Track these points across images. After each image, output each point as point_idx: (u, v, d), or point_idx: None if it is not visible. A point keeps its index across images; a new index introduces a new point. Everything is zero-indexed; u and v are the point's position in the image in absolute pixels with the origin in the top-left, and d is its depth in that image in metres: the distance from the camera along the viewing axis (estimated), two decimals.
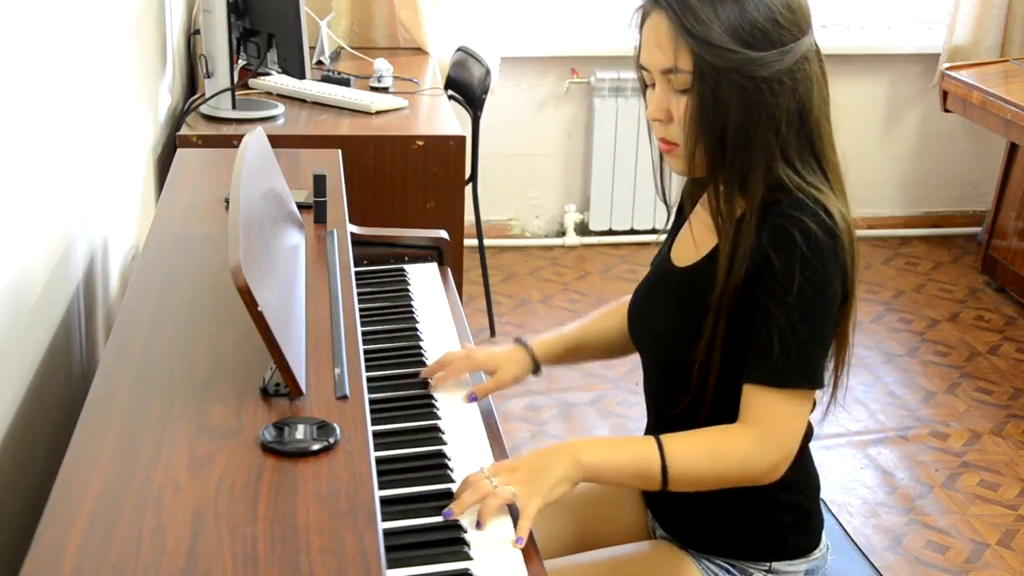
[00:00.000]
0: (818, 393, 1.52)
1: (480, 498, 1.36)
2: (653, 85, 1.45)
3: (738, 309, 1.43)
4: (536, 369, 1.73)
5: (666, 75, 1.43)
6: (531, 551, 1.33)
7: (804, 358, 1.40)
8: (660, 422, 1.63)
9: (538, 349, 1.72)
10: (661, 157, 1.54)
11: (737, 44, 1.38)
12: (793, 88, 1.41)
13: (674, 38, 1.40)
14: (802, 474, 1.59)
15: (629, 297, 1.69)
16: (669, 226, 1.68)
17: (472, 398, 1.66)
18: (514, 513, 1.37)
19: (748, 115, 1.40)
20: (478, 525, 1.35)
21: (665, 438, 1.43)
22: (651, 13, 1.43)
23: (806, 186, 1.43)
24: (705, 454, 1.43)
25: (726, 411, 1.46)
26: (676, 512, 1.63)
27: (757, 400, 1.42)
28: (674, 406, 1.52)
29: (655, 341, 1.58)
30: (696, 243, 1.54)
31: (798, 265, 1.37)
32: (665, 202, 1.62)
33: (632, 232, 4.45)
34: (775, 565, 1.57)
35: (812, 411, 1.50)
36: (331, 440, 1.21)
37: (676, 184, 1.62)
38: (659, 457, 1.42)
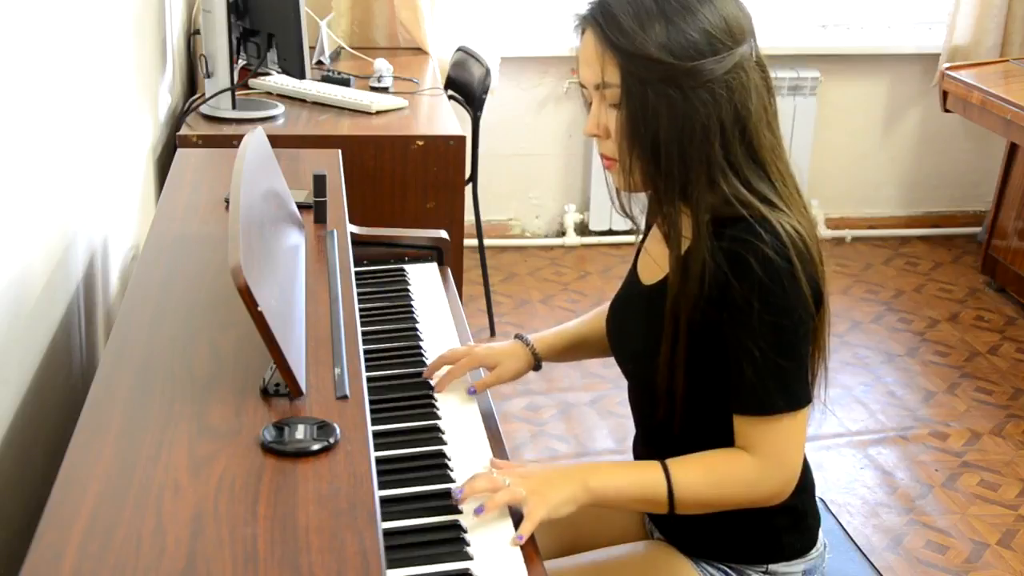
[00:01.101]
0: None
1: (491, 489, 1.38)
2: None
3: (700, 330, 1.42)
4: (537, 366, 1.74)
5: (599, 91, 1.42)
6: (531, 552, 1.33)
7: (781, 383, 1.39)
8: (643, 433, 1.65)
9: (538, 346, 1.73)
10: None
11: (665, 55, 1.36)
12: (728, 98, 1.38)
13: (601, 53, 1.40)
14: None
15: None
16: (639, 239, 1.68)
17: (471, 391, 1.67)
18: (516, 516, 1.38)
19: (680, 127, 1.38)
20: (478, 511, 1.36)
21: (671, 464, 1.43)
22: (585, 30, 1.43)
23: (753, 199, 1.40)
24: (711, 481, 1.43)
25: (699, 425, 1.48)
26: (672, 516, 1.63)
27: (748, 430, 1.42)
28: (653, 418, 1.53)
29: (631, 359, 1.58)
30: (656, 261, 1.54)
31: (757, 292, 1.36)
32: (626, 215, 1.60)
33: (632, 232, 4.43)
34: (772, 567, 1.57)
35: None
36: (331, 440, 1.21)
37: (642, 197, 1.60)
38: (665, 485, 1.42)
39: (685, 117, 1.38)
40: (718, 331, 1.41)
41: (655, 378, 1.48)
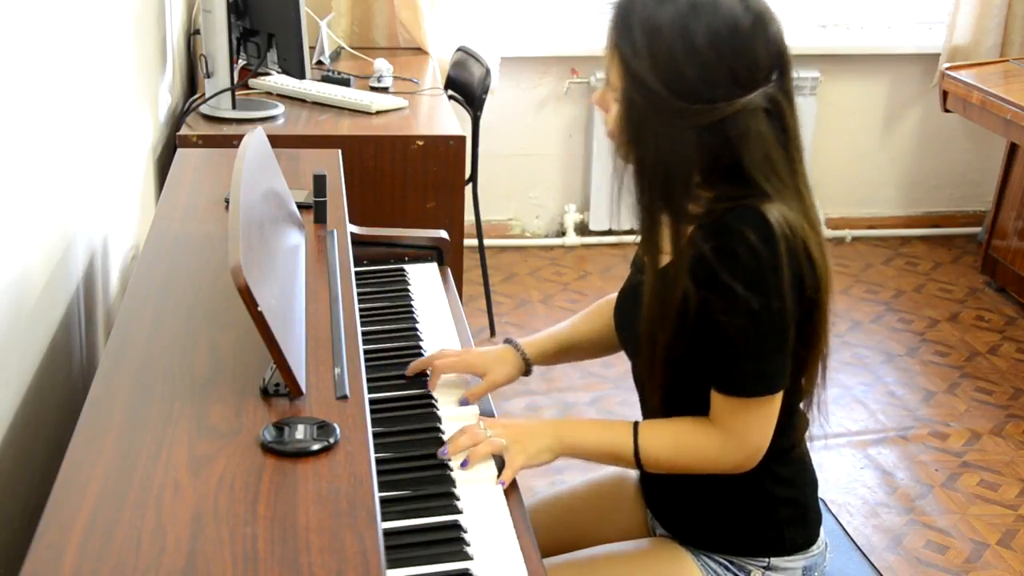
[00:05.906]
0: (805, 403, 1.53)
1: (473, 443, 1.47)
2: None
3: (692, 309, 1.43)
4: (527, 370, 1.74)
5: (607, 79, 1.46)
6: (531, 552, 1.33)
7: (758, 367, 1.42)
8: (646, 409, 1.65)
9: (528, 350, 1.73)
10: None
11: (662, 87, 1.37)
12: (717, 144, 1.38)
13: (611, 55, 1.42)
14: (798, 469, 1.59)
15: (615, 296, 1.70)
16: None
17: (464, 402, 1.66)
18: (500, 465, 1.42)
19: (664, 156, 1.40)
20: (464, 465, 1.46)
21: (643, 426, 1.51)
22: (611, 15, 1.43)
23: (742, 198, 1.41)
24: (675, 448, 1.50)
25: (700, 402, 1.49)
26: (675, 510, 1.63)
27: (721, 406, 1.46)
28: (653, 397, 1.54)
29: (636, 339, 1.59)
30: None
31: (741, 278, 1.37)
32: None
33: (632, 232, 4.43)
34: (773, 561, 1.57)
35: (803, 404, 1.53)
36: (331, 440, 1.21)
37: None
38: (632, 445, 1.49)
39: (669, 150, 1.40)
40: (706, 310, 1.42)
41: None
